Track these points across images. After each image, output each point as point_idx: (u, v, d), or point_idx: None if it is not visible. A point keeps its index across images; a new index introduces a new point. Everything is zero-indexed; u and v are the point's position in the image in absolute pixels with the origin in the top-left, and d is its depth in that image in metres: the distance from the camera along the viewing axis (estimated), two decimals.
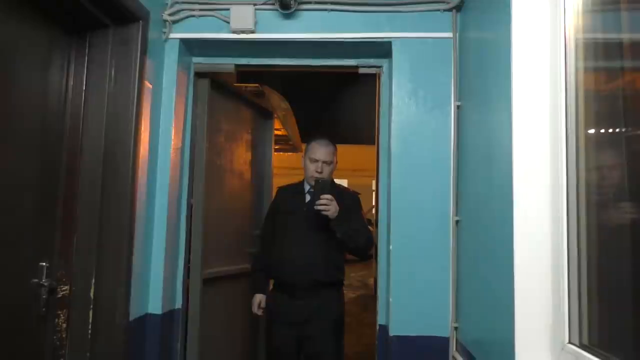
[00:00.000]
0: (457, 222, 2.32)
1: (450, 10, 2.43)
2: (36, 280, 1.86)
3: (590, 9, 1.44)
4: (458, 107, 2.36)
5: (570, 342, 1.37)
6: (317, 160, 2.65)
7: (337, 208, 2.44)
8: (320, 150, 2.67)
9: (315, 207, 2.43)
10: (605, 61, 1.46)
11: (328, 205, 2.42)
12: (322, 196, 2.42)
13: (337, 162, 2.76)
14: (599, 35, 1.46)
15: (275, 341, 2.63)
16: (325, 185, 2.49)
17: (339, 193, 2.55)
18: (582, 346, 1.33)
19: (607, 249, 1.37)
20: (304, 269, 2.56)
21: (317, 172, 2.63)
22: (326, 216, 2.44)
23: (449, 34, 2.43)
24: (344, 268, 2.73)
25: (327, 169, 2.65)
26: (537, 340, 1.43)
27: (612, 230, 1.37)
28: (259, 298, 2.79)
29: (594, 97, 1.43)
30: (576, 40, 1.45)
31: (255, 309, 2.79)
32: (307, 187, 2.72)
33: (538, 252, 1.46)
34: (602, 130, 1.44)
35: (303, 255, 2.58)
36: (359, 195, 2.90)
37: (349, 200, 2.68)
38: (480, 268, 1.93)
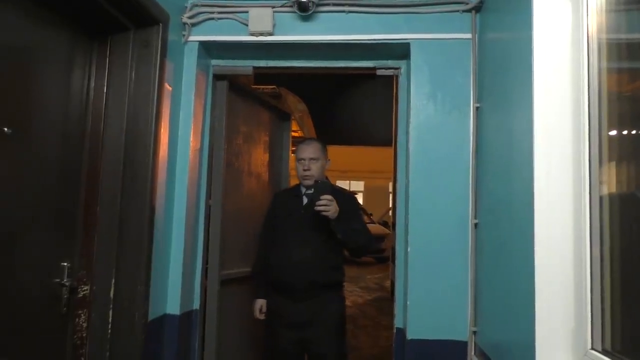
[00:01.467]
0: (475, 224, 2.29)
1: (469, 11, 2.41)
2: (58, 280, 1.89)
3: (613, 8, 1.42)
4: (477, 108, 2.34)
5: (592, 348, 1.35)
6: (303, 159, 2.67)
7: (337, 209, 2.44)
8: (305, 149, 2.70)
9: (316, 208, 2.43)
10: (629, 61, 1.44)
11: (328, 205, 2.42)
12: (322, 197, 2.42)
13: (329, 160, 2.77)
14: (623, 36, 1.43)
15: (279, 344, 2.63)
16: (325, 187, 2.49)
17: (336, 194, 2.55)
18: (604, 352, 1.31)
19: (631, 252, 1.34)
20: (303, 271, 2.56)
21: (304, 170, 2.66)
22: (326, 217, 2.44)
23: (468, 35, 2.41)
24: (344, 269, 2.73)
25: (314, 166, 2.66)
26: (558, 346, 1.41)
27: (636, 234, 1.35)
28: (260, 303, 2.78)
29: (617, 98, 1.41)
30: (599, 40, 1.43)
31: (256, 314, 2.79)
32: (303, 190, 2.73)
33: (560, 256, 1.44)
34: (626, 132, 1.42)
35: (302, 257, 2.57)
36: (356, 195, 2.89)
37: (346, 200, 2.67)
38: (499, 271, 1.91)
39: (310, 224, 2.57)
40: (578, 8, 1.47)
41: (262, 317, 2.77)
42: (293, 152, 4.32)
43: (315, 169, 2.66)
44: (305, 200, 2.69)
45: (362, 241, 2.60)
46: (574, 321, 1.40)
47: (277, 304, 2.66)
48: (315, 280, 2.56)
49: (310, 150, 2.69)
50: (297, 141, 3.25)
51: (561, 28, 1.51)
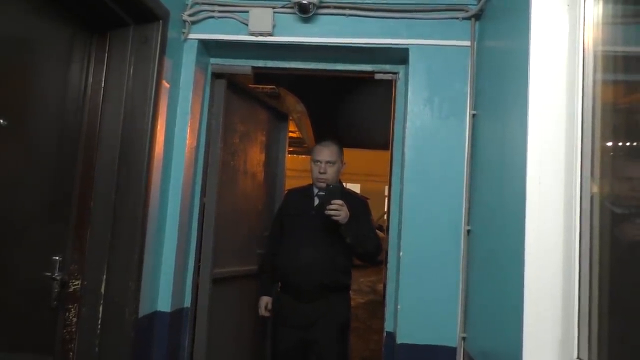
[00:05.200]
0: (468, 231, 2.30)
1: (469, 18, 2.42)
2: (49, 273, 1.88)
3: (609, 21, 1.43)
4: (473, 115, 2.35)
5: (579, 358, 1.35)
6: (319, 161, 2.66)
7: (348, 213, 2.44)
8: (322, 151, 2.68)
9: (326, 212, 2.43)
10: (624, 74, 1.45)
11: (339, 210, 2.42)
12: (333, 201, 2.42)
13: (344, 163, 2.76)
14: (618, 48, 1.45)
15: (281, 344, 2.63)
16: (336, 191, 2.49)
17: (348, 198, 2.54)
18: None
19: (620, 264, 1.35)
20: (310, 272, 2.56)
21: (320, 172, 2.64)
22: (336, 221, 2.44)
23: (467, 42, 2.42)
24: (351, 272, 2.73)
25: (330, 169, 2.65)
26: (545, 355, 1.41)
27: (626, 245, 1.36)
28: (265, 300, 2.80)
29: (611, 110, 1.42)
30: (595, 52, 1.44)
31: (261, 312, 2.80)
32: (315, 191, 2.72)
33: (549, 265, 1.45)
34: (620, 143, 1.43)
35: (309, 258, 2.58)
36: (368, 201, 2.90)
37: (357, 205, 2.67)
38: (490, 279, 1.92)
39: (319, 226, 2.57)
40: (575, 20, 1.48)
41: (267, 314, 2.79)
42: (290, 152, 4.32)
43: (331, 173, 2.65)
44: (316, 201, 2.69)
45: (370, 247, 2.60)
46: (561, 331, 1.41)
47: (282, 303, 2.67)
48: (321, 282, 2.56)
49: (327, 152, 2.67)
50: (294, 142, 3.26)
51: (558, 39, 1.52)
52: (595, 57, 1.44)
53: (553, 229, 1.45)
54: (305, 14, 2.48)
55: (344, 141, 2.79)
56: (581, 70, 1.45)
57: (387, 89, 2.92)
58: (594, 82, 1.43)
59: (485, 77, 2.24)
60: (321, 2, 2.48)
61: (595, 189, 1.40)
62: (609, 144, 1.41)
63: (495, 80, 2.06)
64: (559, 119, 1.49)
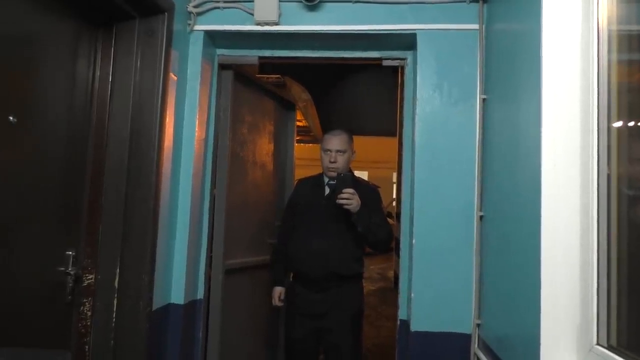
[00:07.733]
0: (481, 217, 2.28)
1: (476, 1, 2.38)
2: (62, 268, 1.89)
3: None
4: (484, 100, 2.32)
5: (598, 344, 1.34)
6: (329, 150, 2.64)
7: (359, 202, 2.43)
8: (332, 140, 2.66)
9: (338, 201, 2.42)
10: (639, 53, 1.42)
11: (350, 199, 2.41)
12: (344, 190, 2.41)
13: (354, 152, 2.74)
14: (633, 27, 1.41)
15: (294, 333, 2.64)
16: (347, 179, 2.48)
17: (359, 186, 2.53)
18: (610, 348, 1.31)
19: (638, 247, 1.33)
20: (322, 262, 2.56)
21: (330, 162, 2.62)
22: (347, 210, 2.43)
23: (475, 26, 2.38)
24: (363, 261, 2.72)
25: (341, 158, 2.63)
26: (563, 341, 1.40)
27: None
28: (279, 291, 2.80)
29: (627, 90, 1.39)
30: (609, 31, 1.41)
31: (275, 302, 2.80)
32: (326, 180, 2.72)
33: (566, 250, 1.43)
34: (635, 123, 1.40)
35: (321, 247, 2.57)
36: (379, 189, 2.89)
37: (369, 193, 2.66)
38: (504, 264, 1.90)
39: (331, 215, 2.56)
40: None
41: (280, 304, 2.79)
42: (297, 141, 4.31)
43: (341, 162, 2.64)
44: (327, 190, 2.68)
45: (382, 235, 2.59)
46: (579, 316, 1.40)
47: (295, 292, 2.67)
48: (333, 271, 2.56)
49: (337, 141, 2.65)
50: (301, 130, 3.24)
51: (571, 18, 1.49)
52: (609, 36, 1.40)
53: (569, 212, 1.43)
54: (311, 2, 2.45)
55: (353, 130, 2.78)
56: (595, 49, 1.42)
57: (392, 75, 2.89)
58: (609, 62, 1.40)
59: (495, 61, 2.21)
60: None
61: (612, 171, 1.37)
62: (626, 124, 1.38)
63: (505, 63, 2.03)
64: (573, 101, 1.46)
